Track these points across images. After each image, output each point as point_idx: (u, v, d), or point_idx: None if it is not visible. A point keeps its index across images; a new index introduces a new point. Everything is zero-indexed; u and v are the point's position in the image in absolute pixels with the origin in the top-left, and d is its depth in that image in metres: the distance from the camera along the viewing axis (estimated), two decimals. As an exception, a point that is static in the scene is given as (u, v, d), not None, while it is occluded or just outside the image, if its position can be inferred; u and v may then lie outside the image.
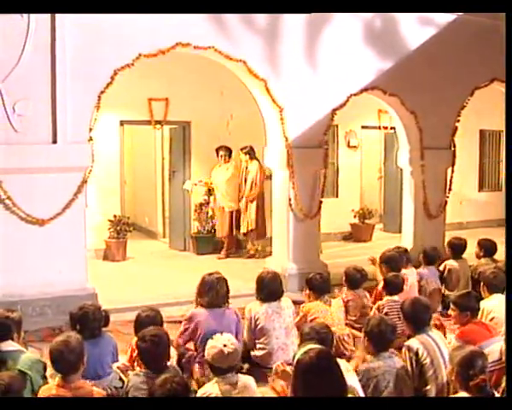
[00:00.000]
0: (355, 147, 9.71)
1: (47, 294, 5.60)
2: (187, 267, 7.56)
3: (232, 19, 6.17)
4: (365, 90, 6.92)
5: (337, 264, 7.03)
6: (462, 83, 7.45)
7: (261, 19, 6.33)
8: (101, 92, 5.74)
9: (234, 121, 8.61)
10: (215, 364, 3.17)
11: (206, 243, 8.32)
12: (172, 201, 8.79)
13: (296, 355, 2.87)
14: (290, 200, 6.60)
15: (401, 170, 8.48)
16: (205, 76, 8.11)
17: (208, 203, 8.39)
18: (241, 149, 8.18)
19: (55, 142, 5.62)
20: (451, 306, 4.28)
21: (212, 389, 3.12)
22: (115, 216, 8.05)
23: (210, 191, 8.40)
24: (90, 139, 5.76)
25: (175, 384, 2.70)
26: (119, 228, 7.91)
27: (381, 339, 3.57)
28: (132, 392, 3.12)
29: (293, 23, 6.46)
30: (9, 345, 3.41)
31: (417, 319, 3.94)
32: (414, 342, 3.82)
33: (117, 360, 4.12)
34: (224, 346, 3.18)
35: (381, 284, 5.30)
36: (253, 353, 4.50)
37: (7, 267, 5.58)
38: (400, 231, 9.79)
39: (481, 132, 10.79)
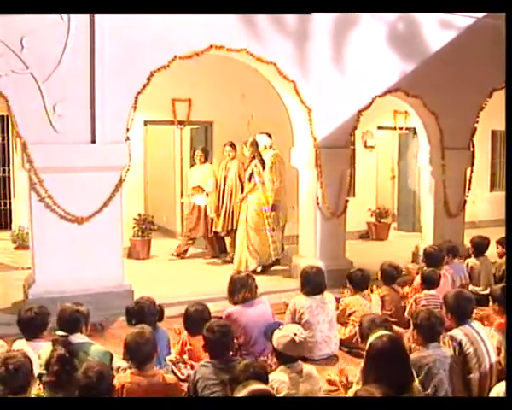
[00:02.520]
0: (371, 147, 9.88)
1: (86, 290, 5.69)
2: (212, 265, 7.72)
3: (263, 22, 6.32)
4: (389, 91, 7.10)
5: (358, 261, 7.17)
6: (481, 84, 7.63)
7: (291, 22, 6.49)
8: (138, 93, 5.88)
9: (254, 122, 8.74)
10: (286, 352, 3.32)
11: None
12: (194, 200, 8.90)
13: (369, 340, 3.03)
14: (317, 199, 6.77)
15: (418, 170, 8.71)
16: (227, 77, 8.26)
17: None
18: (225, 145, 8.00)
19: (93, 141, 5.75)
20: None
21: (280, 376, 3.27)
22: (140, 215, 8.18)
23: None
24: (128, 139, 5.91)
25: (257, 369, 2.85)
26: (144, 227, 8.03)
27: (430, 331, 3.73)
28: (201, 382, 3.25)
29: (321, 26, 6.62)
30: (79, 337, 3.55)
31: (461, 310, 4.11)
32: (457, 333, 3.99)
33: (169, 354, 4.28)
34: (295, 335, 3.33)
35: (417, 280, 5.49)
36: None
37: (47, 265, 5.71)
38: (414, 230, 10.04)
39: (493, 133, 11.01)
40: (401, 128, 9.89)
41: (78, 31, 5.59)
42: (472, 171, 7.86)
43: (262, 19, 6.30)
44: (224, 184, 7.93)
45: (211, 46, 6.08)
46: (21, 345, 3.87)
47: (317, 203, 6.77)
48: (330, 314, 4.72)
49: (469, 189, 7.82)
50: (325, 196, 6.73)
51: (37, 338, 3.87)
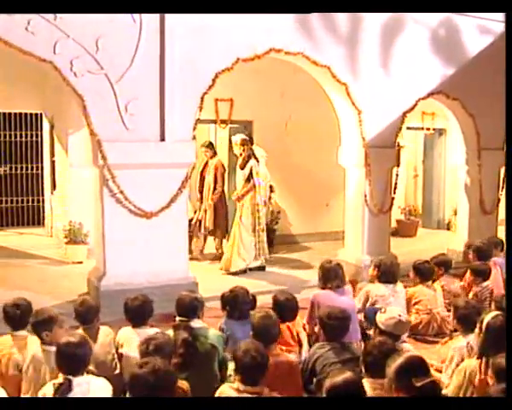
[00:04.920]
0: (401, 147, 10.20)
1: (153, 283, 5.92)
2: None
3: (318, 26, 6.61)
4: (431, 94, 7.43)
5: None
6: (515, 88, 7.98)
7: (343, 26, 6.78)
8: (204, 93, 6.15)
9: (292, 121, 9.04)
10: (394, 332, 3.64)
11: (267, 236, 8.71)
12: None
13: (485, 320, 3.36)
14: (366, 196, 7.08)
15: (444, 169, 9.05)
16: (267, 77, 8.52)
17: (270, 199, 8.79)
18: (201, 145, 8.02)
19: (163, 139, 6.01)
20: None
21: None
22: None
23: (271, 188, 8.81)
24: (194, 138, 6.16)
25: (389, 346, 3.16)
26: (187, 222, 8.26)
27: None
28: (322, 361, 3.55)
29: (370, 30, 6.93)
30: (198, 323, 3.82)
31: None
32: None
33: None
34: (400, 316, 3.65)
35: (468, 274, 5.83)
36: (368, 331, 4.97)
37: (118, 258, 5.95)
38: (439, 228, 10.42)
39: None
40: (428, 129, 10.23)
41: (149, 32, 5.85)
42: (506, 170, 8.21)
43: (316, 23, 6.59)
44: (202, 185, 8.01)
45: (270, 49, 6.36)
46: (127, 332, 4.12)
47: (365, 201, 7.08)
48: (401, 303, 5.05)
49: (503, 187, 8.17)
50: (373, 193, 7.05)
51: (144, 325, 4.12)
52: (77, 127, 7.86)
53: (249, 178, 7.45)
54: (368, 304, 5.00)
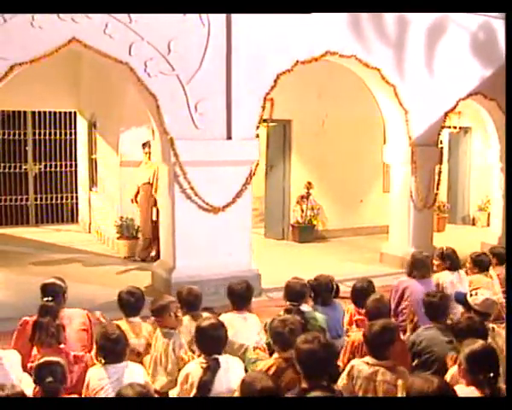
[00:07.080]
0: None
1: (219, 275, 6.14)
2: (305, 253, 8.31)
3: (368, 29, 6.93)
4: (470, 95, 7.79)
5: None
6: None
7: (390, 29, 7.11)
8: (267, 94, 6.43)
9: (328, 120, 9.37)
10: (488, 311, 4.01)
11: (307, 231, 9.05)
12: (270, 192, 9.46)
13: None
14: (411, 192, 7.42)
15: (469, 166, 9.43)
16: (305, 78, 8.83)
17: (309, 195, 9.14)
18: (143, 145, 7.74)
19: (229, 138, 6.28)
20: None
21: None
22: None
23: (310, 184, 9.15)
24: (257, 136, 6.45)
25: (477, 323, 3.51)
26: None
27: None
28: (426, 343, 3.84)
29: (415, 33, 7.26)
30: (306, 307, 4.12)
31: None
32: None
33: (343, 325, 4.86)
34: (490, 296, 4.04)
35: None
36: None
37: (187, 251, 6.21)
38: (464, 223, 10.82)
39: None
40: (455, 127, 10.61)
41: (216, 34, 6.11)
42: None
43: (367, 27, 6.91)
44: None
45: (326, 52, 6.67)
46: (231, 317, 4.39)
47: (411, 196, 7.43)
48: (466, 288, 5.38)
49: (536, 184, 8.57)
50: (419, 189, 7.39)
51: (245, 309, 4.40)
52: (127, 126, 8.13)
53: None
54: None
